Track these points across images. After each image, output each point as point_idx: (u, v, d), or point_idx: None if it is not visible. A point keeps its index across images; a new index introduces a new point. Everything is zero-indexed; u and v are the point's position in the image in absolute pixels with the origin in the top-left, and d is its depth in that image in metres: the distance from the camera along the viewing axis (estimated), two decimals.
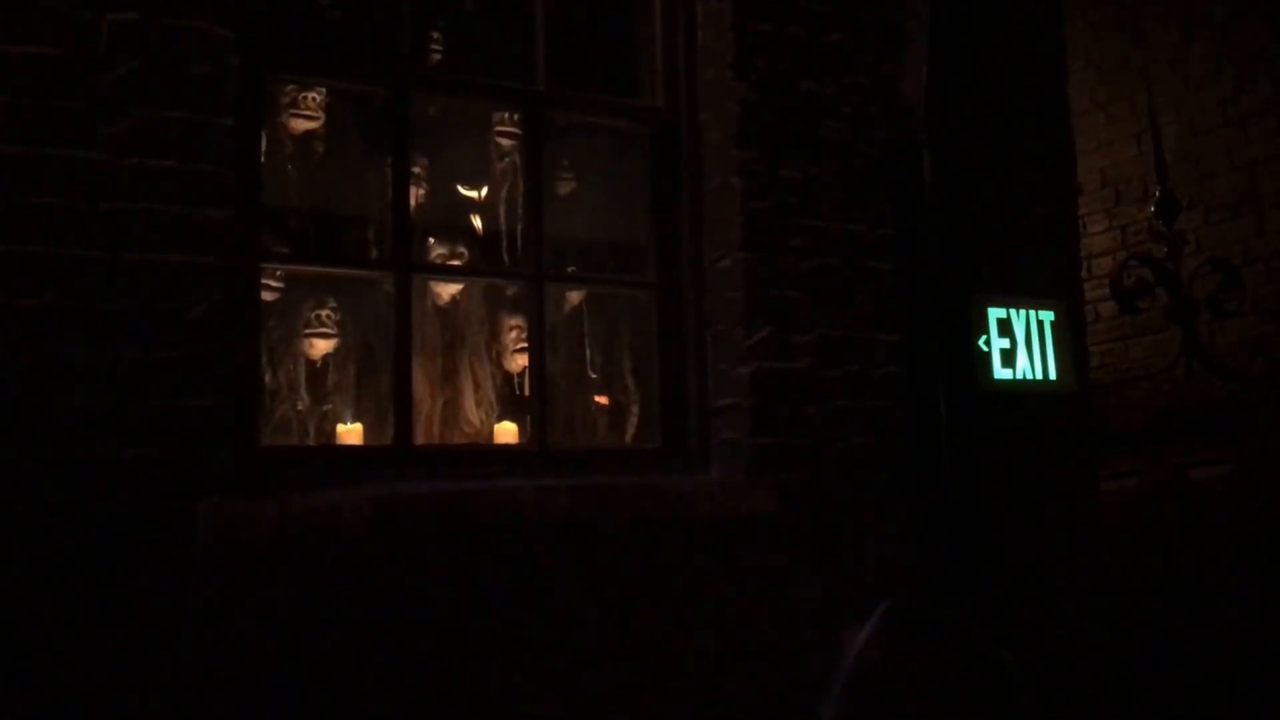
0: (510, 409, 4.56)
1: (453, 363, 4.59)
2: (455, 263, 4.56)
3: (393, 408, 3.56)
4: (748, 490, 3.71)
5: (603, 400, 4.72)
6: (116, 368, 2.96)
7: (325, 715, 3.09)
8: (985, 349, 4.14)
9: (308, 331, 4.33)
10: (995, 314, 4.17)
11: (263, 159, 3.49)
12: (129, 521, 2.93)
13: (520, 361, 4.55)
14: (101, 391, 2.94)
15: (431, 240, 4.51)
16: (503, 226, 4.64)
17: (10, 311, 2.87)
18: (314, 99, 4.23)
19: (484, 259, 4.66)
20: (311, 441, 4.25)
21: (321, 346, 4.36)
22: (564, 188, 4.62)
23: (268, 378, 4.04)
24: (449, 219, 4.67)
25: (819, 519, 3.79)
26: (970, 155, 4.24)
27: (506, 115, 4.47)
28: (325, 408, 4.34)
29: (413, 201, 3.90)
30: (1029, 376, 4.21)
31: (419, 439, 3.75)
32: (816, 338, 3.88)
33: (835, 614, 3.73)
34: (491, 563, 3.33)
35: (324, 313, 4.32)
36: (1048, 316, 4.28)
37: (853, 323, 3.94)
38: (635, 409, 4.56)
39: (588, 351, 4.73)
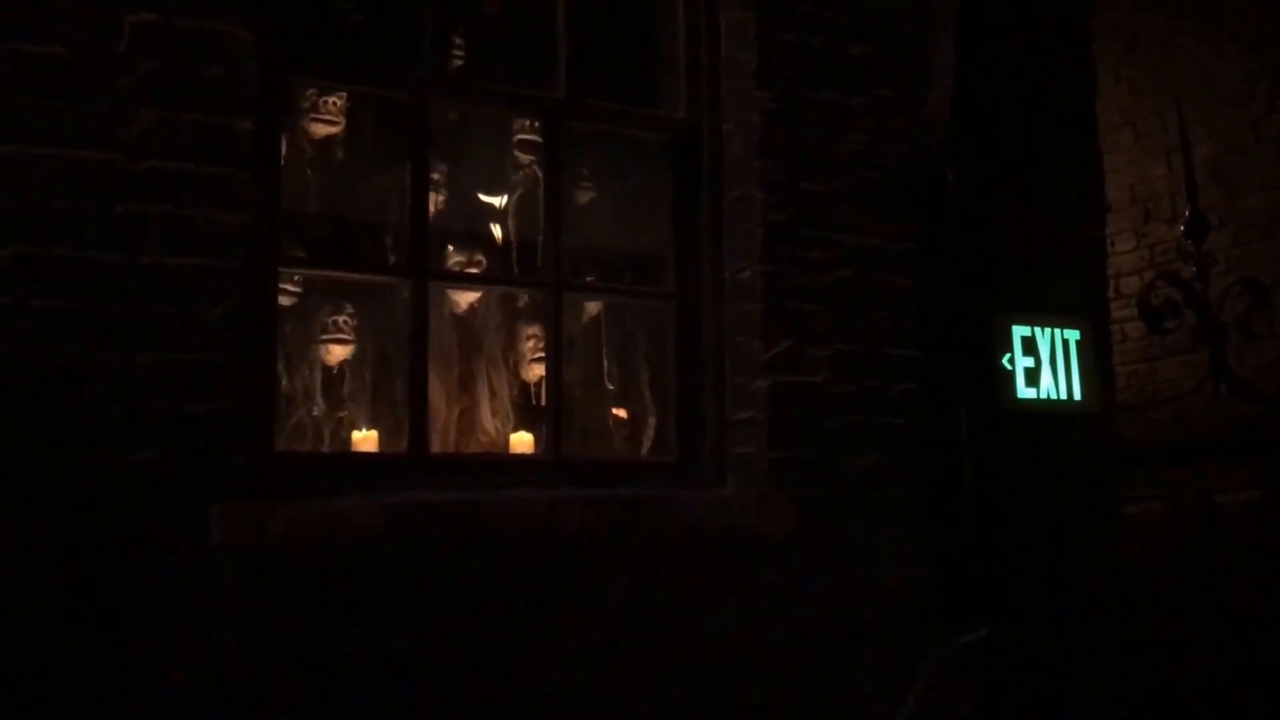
0: (526, 418, 4.53)
1: (469, 371, 4.56)
2: (473, 270, 4.54)
3: (408, 415, 3.55)
4: (763, 505, 3.68)
5: (619, 412, 4.69)
6: (132, 370, 2.96)
7: (333, 714, 3.07)
8: (1009, 367, 4.09)
9: (324, 337, 4.31)
10: (1020, 332, 4.12)
11: (282, 163, 3.49)
12: (142, 524, 2.93)
13: (537, 371, 4.52)
14: (116, 394, 2.94)
15: (450, 248, 4.49)
16: (521, 235, 4.62)
17: (26, 312, 2.88)
18: (334, 104, 4.22)
19: (502, 267, 4.64)
20: (326, 448, 4.23)
21: (338, 352, 4.34)
22: (584, 197, 4.60)
23: (283, 383, 4.02)
24: (468, 226, 4.65)
25: (835, 536, 3.76)
26: (995, 170, 4.21)
27: (527, 123, 4.46)
28: (341, 414, 4.32)
29: (432, 208, 3.89)
30: (1053, 396, 4.16)
31: (434, 447, 3.72)
32: (835, 352, 3.84)
33: (849, 631, 3.70)
34: (504, 573, 3.31)
35: (341, 318, 4.30)
36: (1073, 335, 4.23)
37: (872, 338, 3.90)
38: (652, 421, 4.53)
39: (605, 362, 4.70)
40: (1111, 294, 5.10)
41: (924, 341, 3.99)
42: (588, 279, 4.46)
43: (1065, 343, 4.21)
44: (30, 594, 2.81)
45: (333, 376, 4.34)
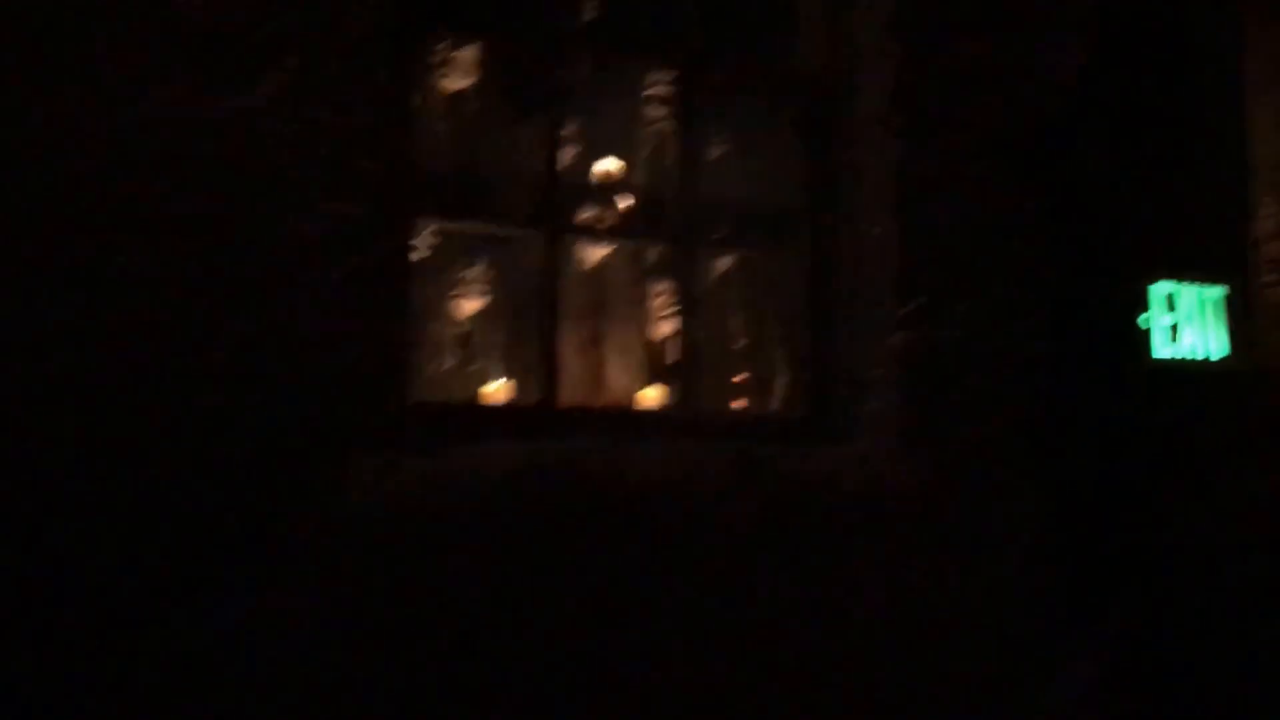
0: (655, 374, 4.53)
1: (598, 326, 4.58)
2: (605, 225, 4.54)
3: (539, 369, 3.57)
4: (893, 464, 3.64)
5: (749, 368, 4.67)
6: (268, 323, 3.00)
7: (465, 669, 3.11)
8: (1147, 326, 3.99)
9: (457, 291, 4.35)
10: (1160, 290, 4.02)
11: (416, 116, 3.51)
12: (280, 477, 2.98)
13: (667, 327, 4.51)
14: (253, 346, 2.98)
15: (581, 202, 4.50)
16: (653, 190, 4.60)
17: (164, 266, 2.93)
18: (468, 57, 4.24)
19: (633, 222, 4.63)
20: (458, 400, 4.27)
21: (470, 306, 4.38)
22: (716, 150, 4.55)
23: (417, 335, 4.07)
24: (599, 181, 4.65)
25: (966, 496, 3.70)
26: (1137, 127, 4.09)
27: (660, 76, 4.42)
28: (472, 367, 4.36)
29: (564, 162, 3.88)
30: (1194, 356, 4.04)
31: (564, 401, 3.74)
32: (970, 310, 3.77)
33: (977, 595, 3.65)
34: (634, 527, 3.32)
35: (473, 272, 4.33)
36: (1215, 294, 4.10)
37: (1008, 295, 3.82)
38: (782, 378, 4.49)
39: (735, 318, 4.67)
40: (1254, 258, 4.92)
41: (1061, 300, 3.89)
42: (718, 234, 4.43)
43: (1207, 301, 4.10)
44: (167, 549, 2.88)
45: (464, 330, 4.38)
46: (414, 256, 3.63)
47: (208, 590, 2.89)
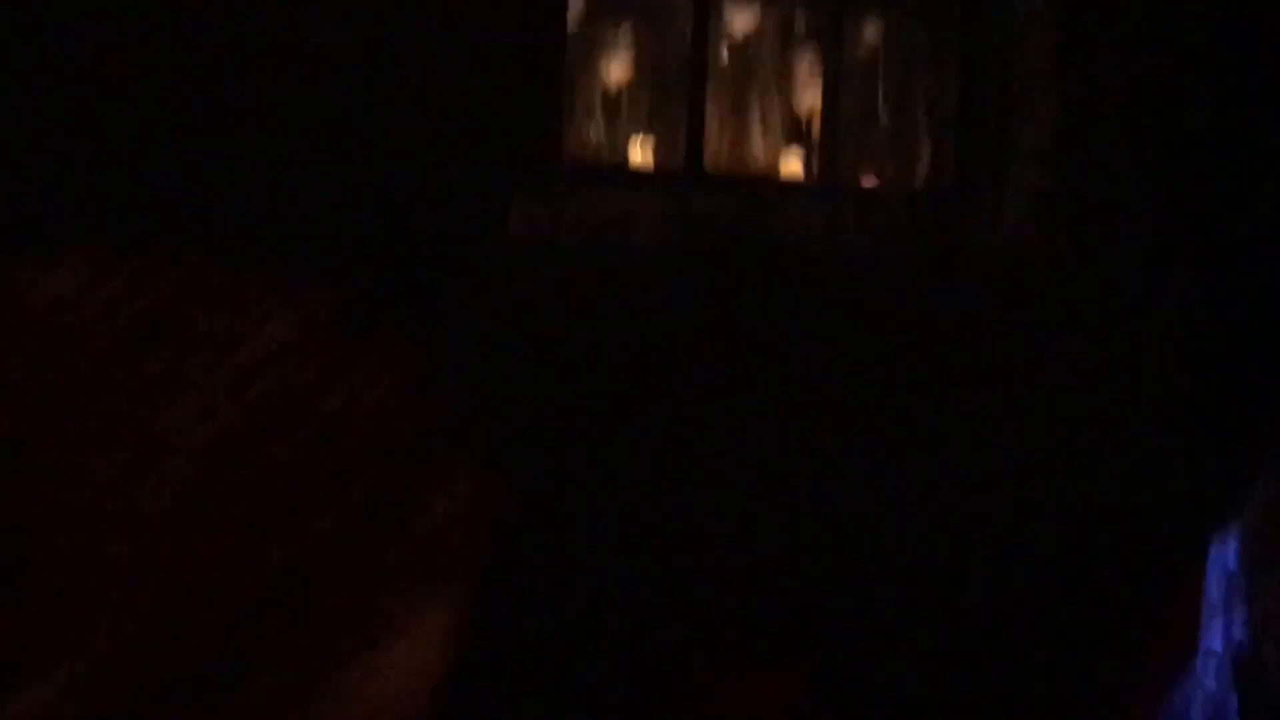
0: (800, 143, 4.54)
1: (744, 93, 4.58)
2: None
3: (686, 133, 3.64)
4: (1040, 239, 3.66)
5: (897, 138, 4.64)
6: (438, 75, 3.14)
7: (604, 396, 3.30)
8: None
9: (608, 54, 4.38)
10: None
11: None
12: (452, 216, 3.16)
13: (813, 95, 4.50)
14: (425, 100, 3.14)
15: None
16: None
17: (343, 34, 3.07)
18: None
19: None
20: (610, 159, 4.36)
21: (621, 69, 4.41)
22: None
23: (571, 96, 4.15)
24: None
25: (1112, 276, 3.69)
26: None
27: None
28: (622, 129, 4.42)
29: None
30: None
31: (710, 165, 3.82)
32: (1125, 86, 3.70)
33: (1119, 375, 3.67)
34: (775, 287, 3.42)
35: (624, 36, 4.36)
36: None
37: (1167, 70, 3.74)
38: (928, 149, 4.48)
39: (883, 88, 4.64)
40: None
41: (1226, 74, 3.78)
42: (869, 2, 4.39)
43: None
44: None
45: (615, 93, 4.42)
46: (569, 19, 3.70)
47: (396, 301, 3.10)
